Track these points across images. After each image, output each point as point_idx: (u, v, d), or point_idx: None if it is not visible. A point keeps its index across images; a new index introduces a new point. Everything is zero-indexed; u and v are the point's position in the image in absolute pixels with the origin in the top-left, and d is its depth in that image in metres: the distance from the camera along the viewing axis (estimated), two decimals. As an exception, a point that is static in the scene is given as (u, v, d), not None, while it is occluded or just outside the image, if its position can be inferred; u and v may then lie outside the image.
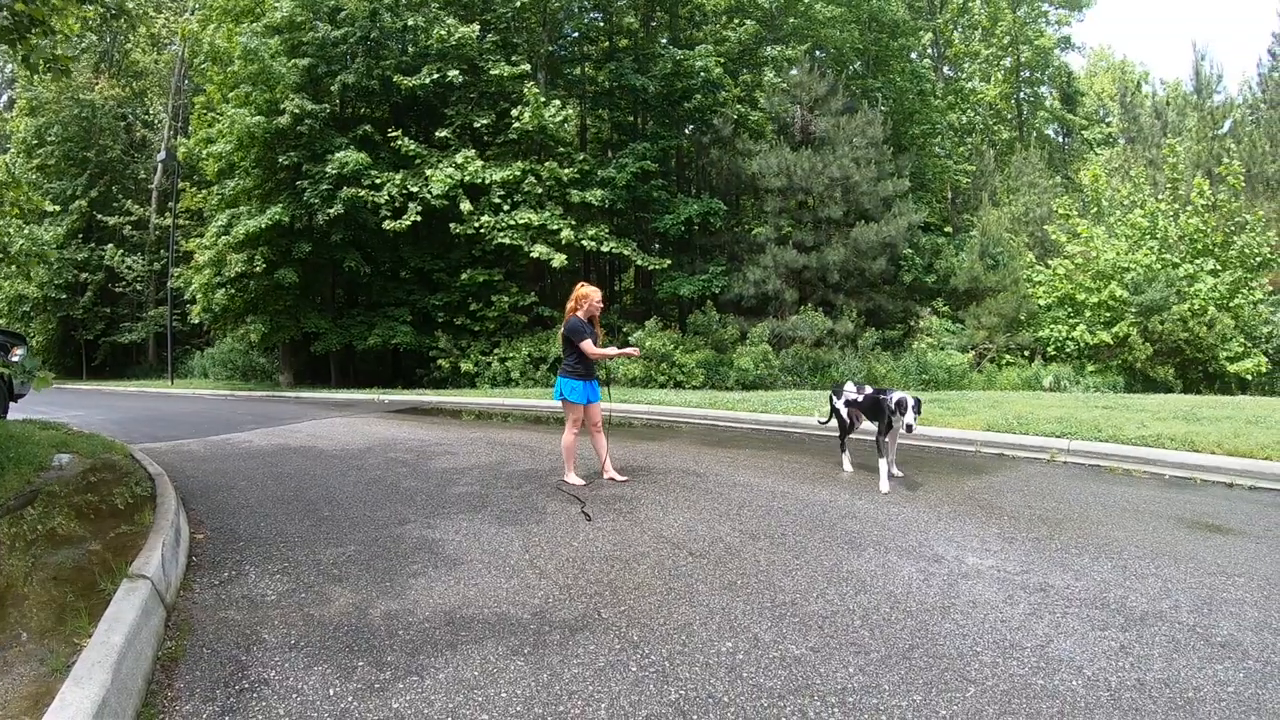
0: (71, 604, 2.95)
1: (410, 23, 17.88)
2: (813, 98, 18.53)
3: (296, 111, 17.40)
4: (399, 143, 17.84)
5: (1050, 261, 17.11)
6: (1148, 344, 14.38)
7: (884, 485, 5.49)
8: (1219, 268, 15.26)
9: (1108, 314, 15.38)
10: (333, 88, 18.51)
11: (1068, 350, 15.69)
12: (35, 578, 3.24)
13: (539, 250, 17.24)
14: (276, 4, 18.03)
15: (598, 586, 3.63)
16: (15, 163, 25.35)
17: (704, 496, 5.41)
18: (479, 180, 17.41)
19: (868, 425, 6.13)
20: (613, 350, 6.36)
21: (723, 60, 19.15)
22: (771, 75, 20.05)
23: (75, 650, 2.55)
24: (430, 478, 6.27)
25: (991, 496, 5.32)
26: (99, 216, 29.00)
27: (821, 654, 2.86)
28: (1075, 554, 3.98)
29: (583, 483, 5.82)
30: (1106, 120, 33.33)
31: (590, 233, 17.87)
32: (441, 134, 18.30)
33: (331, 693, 2.62)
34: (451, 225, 17.73)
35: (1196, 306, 14.46)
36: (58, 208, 26.18)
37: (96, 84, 29.53)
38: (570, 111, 17.94)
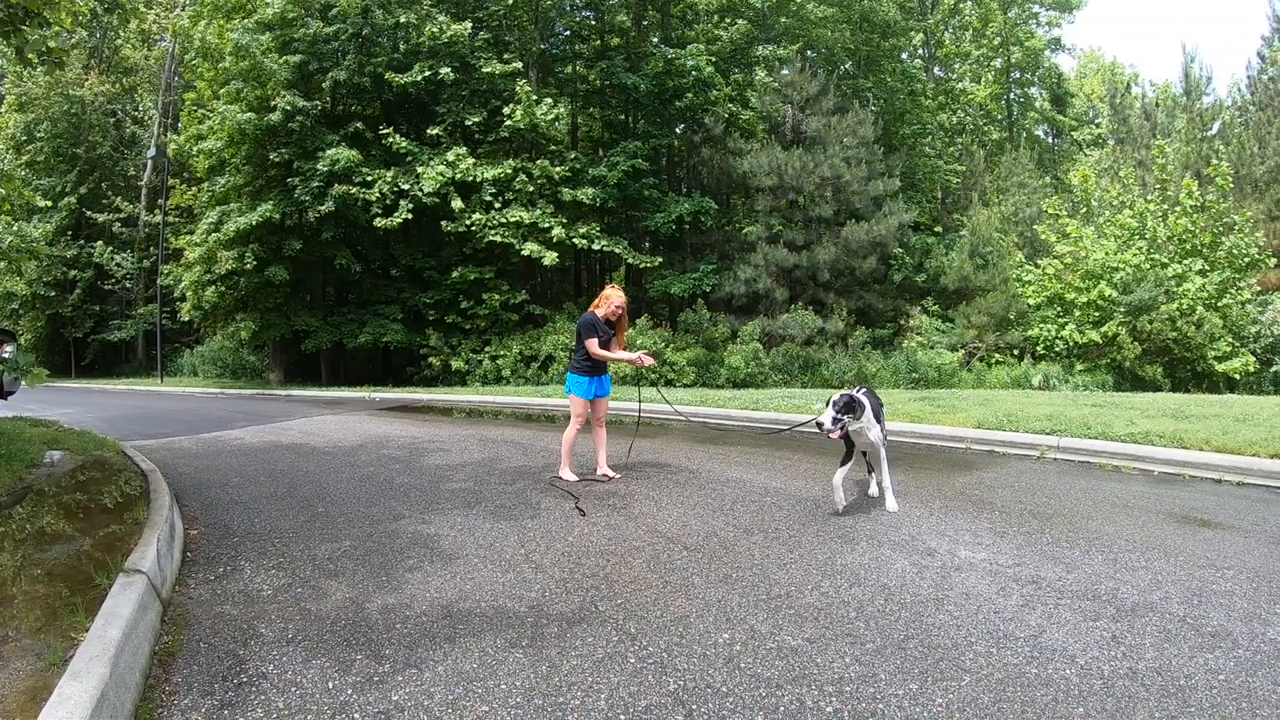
0: (67, 599, 2.93)
1: (402, 20, 17.83)
2: (804, 97, 18.59)
3: (288, 108, 17.32)
4: (390, 140, 17.78)
5: (1040, 261, 17.21)
6: (1136, 343, 14.49)
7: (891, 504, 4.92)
8: (1207, 268, 15.39)
9: (1096, 313, 15.49)
10: (324, 85, 18.45)
11: (1057, 349, 15.80)
12: (29, 574, 3.22)
13: (530, 248, 17.24)
14: (268, 0, 17.94)
15: (594, 580, 3.64)
16: (4, 159, 25.15)
17: (697, 492, 5.43)
18: (470, 178, 17.38)
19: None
20: (620, 354, 5.92)
21: (714, 59, 19.16)
22: (763, 75, 20.11)
23: (72, 645, 2.53)
24: (423, 474, 6.27)
25: (983, 492, 5.36)
26: (88, 213, 28.70)
27: (818, 645, 2.88)
28: (1066, 548, 4.02)
29: (576, 479, 5.84)
30: (1096, 121, 33.54)
31: (581, 231, 17.88)
32: (433, 131, 18.25)
33: (330, 686, 2.62)
34: (443, 223, 17.71)
35: (1185, 306, 14.58)
36: (49, 203, 25.94)
37: (86, 80, 29.21)
38: (562, 110, 17.92)
